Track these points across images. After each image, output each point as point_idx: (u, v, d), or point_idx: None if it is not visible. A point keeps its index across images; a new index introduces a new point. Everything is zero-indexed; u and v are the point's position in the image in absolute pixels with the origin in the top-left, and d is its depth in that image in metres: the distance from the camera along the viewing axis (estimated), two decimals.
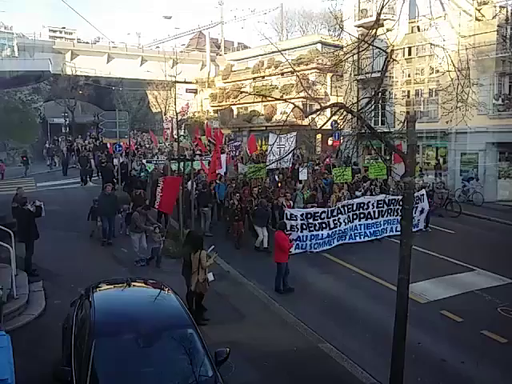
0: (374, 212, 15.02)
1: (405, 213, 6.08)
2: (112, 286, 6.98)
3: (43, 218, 11.74)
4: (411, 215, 6.27)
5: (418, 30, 23.54)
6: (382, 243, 14.77)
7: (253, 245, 13.90)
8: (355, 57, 7.48)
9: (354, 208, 14.73)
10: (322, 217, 13.86)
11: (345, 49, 8.96)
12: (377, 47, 6.65)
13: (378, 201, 15.18)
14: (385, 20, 20.29)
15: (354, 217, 14.68)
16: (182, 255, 9.68)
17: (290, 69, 31.00)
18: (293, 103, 8.38)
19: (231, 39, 62.48)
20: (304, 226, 13.55)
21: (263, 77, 41.92)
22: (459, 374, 7.18)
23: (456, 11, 6.51)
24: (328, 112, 8.61)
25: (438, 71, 20.67)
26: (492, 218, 18.53)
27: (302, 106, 12.68)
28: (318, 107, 6.68)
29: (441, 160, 24.92)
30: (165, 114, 44.84)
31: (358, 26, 25.15)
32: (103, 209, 14.09)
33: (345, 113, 6.33)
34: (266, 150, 24.26)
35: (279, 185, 17.83)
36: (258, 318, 9.03)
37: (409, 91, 25.61)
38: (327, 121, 6.96)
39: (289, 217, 13.41)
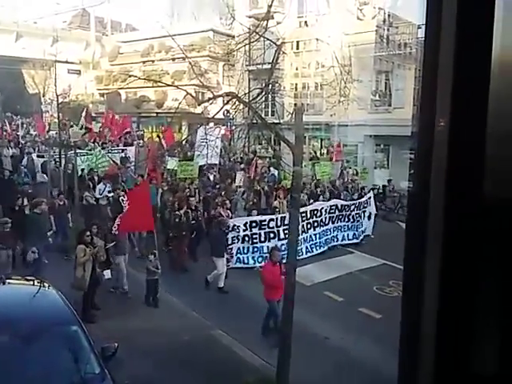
0: (326, 218, 13.27)
1: (292, 201, 6.37)
2: None
3: None
4: (299, 203, 6.58)
5: (306, 25, 24.62)
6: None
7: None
8: (247, 47, 7.59)
9: (308, 216, 12.67)
10: (271, 226, 11.89)
11: (237, 38, 9.02)
12: (268, 39, 6.83)
13: (330, 206, 13.49)
14: (275, 13, 20.83)
15: (309, 226, 12.68)
16: None
17: (182, 55, 30.41)
18: (185, 90, 8.26)
19: (119, 20, 59.32)
20: (247, 238, 11.64)
21: (153, 61, 40.61)
22: (340, 349, 7.74)
23: (340, 10, 6.90)
24: (220, 101, 8.64)
25: (323, 66, 21.89)
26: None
27: (194, 94, 12.39)
28: (211, 95, 6.67)
29: (325, 151, 26.46)
30: (43, 96, 41.35)
31: (250, 17, 25.48)
32: (31, 234, 9.99)
33: (237, 102, 6.41)
34: (182, 140, 21.87)
35: (217, 187, 15.03)
36: (150, 312, 8.87)
37: (296, 84, 26.79)
38: (220, 109, 7.01)
39: (231, 228, 11.48)
